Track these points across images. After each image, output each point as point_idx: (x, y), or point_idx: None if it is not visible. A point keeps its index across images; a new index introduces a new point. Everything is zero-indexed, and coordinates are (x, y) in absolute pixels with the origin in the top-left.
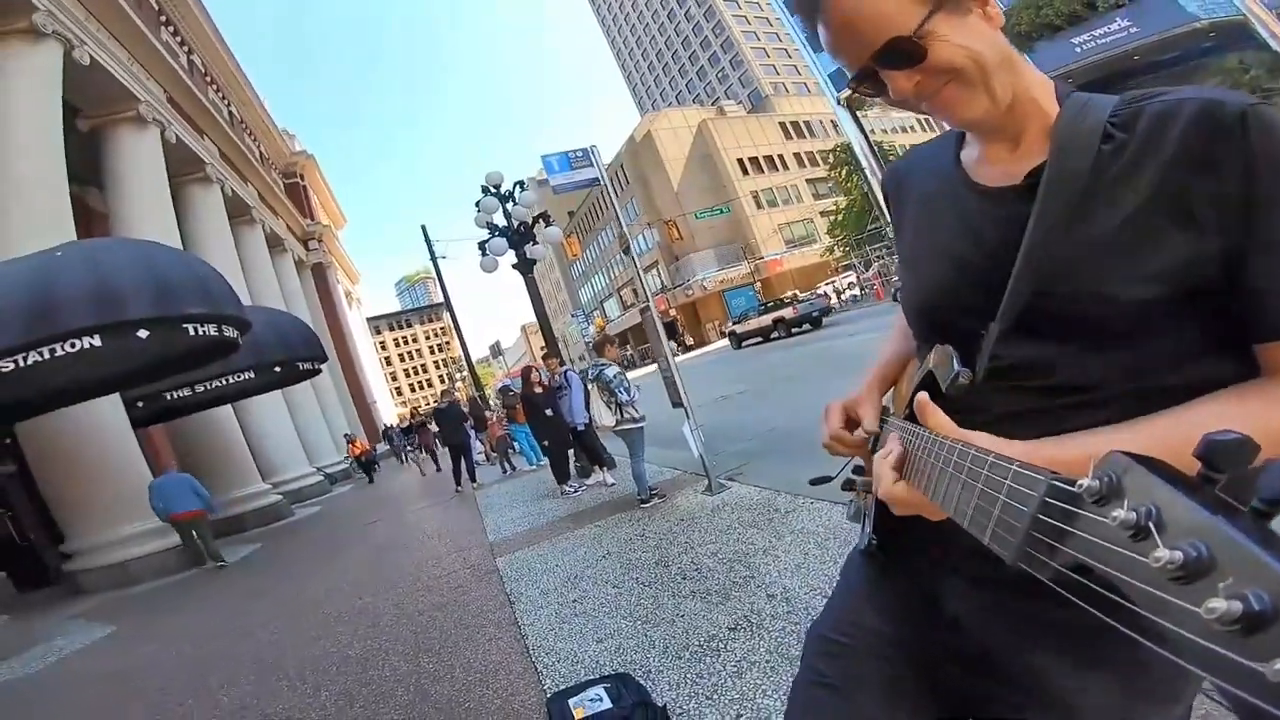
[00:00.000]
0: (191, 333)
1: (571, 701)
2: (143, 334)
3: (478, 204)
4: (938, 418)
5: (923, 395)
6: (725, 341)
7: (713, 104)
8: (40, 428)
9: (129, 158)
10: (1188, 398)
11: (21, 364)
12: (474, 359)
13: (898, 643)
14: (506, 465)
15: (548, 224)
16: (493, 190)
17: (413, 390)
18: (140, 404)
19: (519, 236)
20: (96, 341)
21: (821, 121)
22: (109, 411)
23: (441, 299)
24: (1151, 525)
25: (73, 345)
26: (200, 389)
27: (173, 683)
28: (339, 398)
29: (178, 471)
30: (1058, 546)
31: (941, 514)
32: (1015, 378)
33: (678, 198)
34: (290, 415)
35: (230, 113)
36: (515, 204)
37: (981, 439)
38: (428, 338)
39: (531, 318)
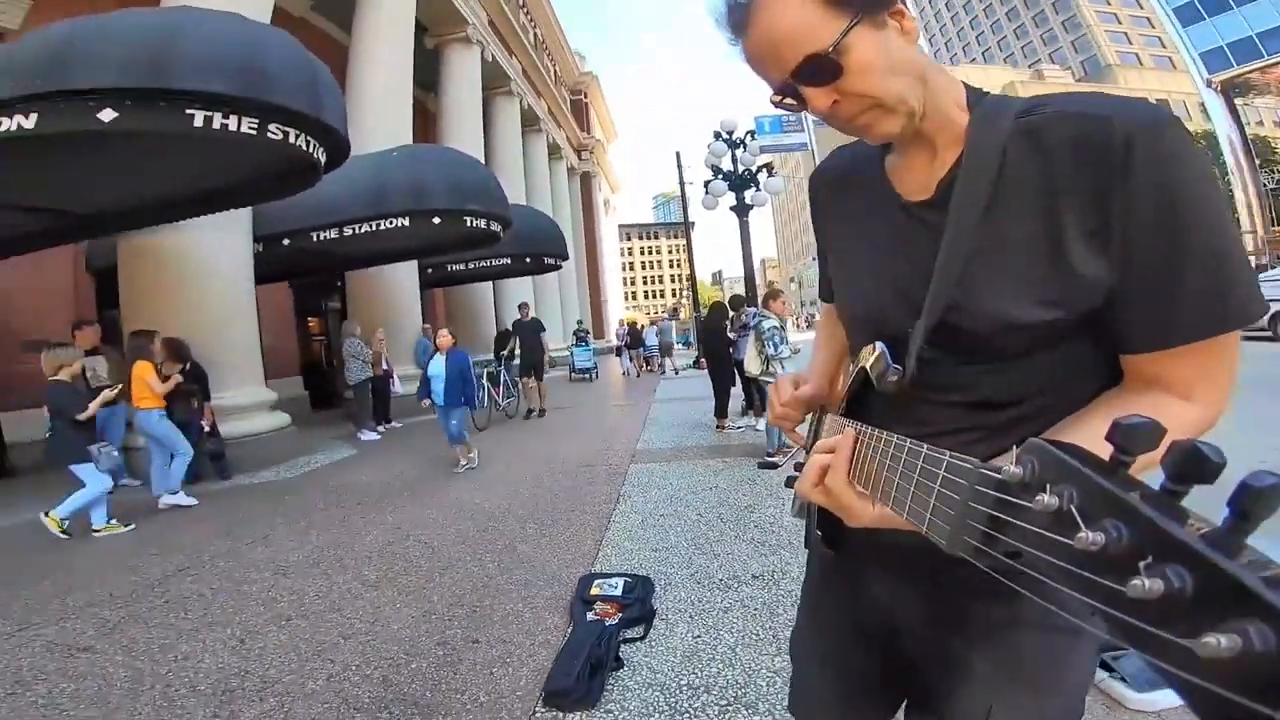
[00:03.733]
0: (469, 224)
1: (597, 581)
2: (436, 220)
3: (709, 146)
4: None
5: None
6: None
7: (1030, 66)
8: (361, 277)
9: (456, 73)
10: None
11: (357, 231)
12: (702, 281)
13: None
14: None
15: (770, 174)
16: (724, 136)
17: (647, 297)
18: (429, 270)
19: (741, 182)
20: (406, 222)
21: (1185, 103)
22: (406, 273)
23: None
24: (1073, 509)
25: (391, 222)
26: (471, 265)
27: (369, 496)
28: (578, 292)
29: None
30: (990, 533)
31: (872, 517)
32: (940, 392)
33: None
34: (534, 300)
35: (535, 35)
36: (744, 151)
37: None
38: (670, 252)
39: (772, 253)
